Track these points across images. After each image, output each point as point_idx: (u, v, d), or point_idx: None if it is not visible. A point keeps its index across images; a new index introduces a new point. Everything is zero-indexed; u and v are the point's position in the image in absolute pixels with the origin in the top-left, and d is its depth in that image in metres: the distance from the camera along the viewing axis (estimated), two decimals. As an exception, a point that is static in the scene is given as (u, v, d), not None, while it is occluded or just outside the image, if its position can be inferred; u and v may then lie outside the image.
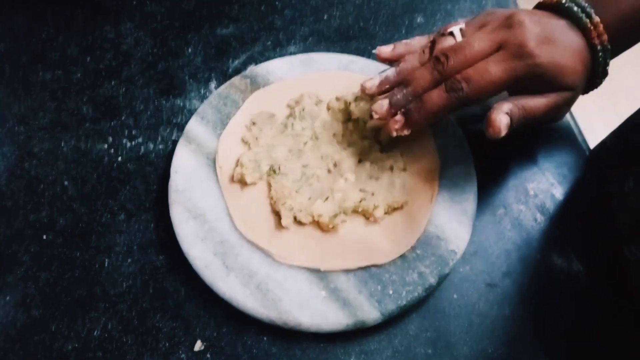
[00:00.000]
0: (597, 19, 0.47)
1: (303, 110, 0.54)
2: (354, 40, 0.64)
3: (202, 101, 0.56)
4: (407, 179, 0.51)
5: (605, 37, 0.47)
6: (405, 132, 0.47)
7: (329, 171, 0.51)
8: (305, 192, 0.50)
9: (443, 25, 0.65)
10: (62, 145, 0.56)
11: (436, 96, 0.46)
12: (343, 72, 0.58)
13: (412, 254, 0.47)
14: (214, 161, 0.52)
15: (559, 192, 0.53)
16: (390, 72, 0.49)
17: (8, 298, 0.47)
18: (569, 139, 0.57)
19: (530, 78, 0.45)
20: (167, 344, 0.45)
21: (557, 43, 0.46)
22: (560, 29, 0.47)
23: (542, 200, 0.52)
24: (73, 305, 0.47)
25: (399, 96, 0.48)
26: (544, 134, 0.57)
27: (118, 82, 0.60)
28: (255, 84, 0.57)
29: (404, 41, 0.52)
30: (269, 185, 0.50)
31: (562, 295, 0.47)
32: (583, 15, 0.47)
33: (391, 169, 0.51)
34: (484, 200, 0.51)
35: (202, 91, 0.59)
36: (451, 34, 0.48)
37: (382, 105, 0.48)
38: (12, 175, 0.54)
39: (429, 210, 0.49)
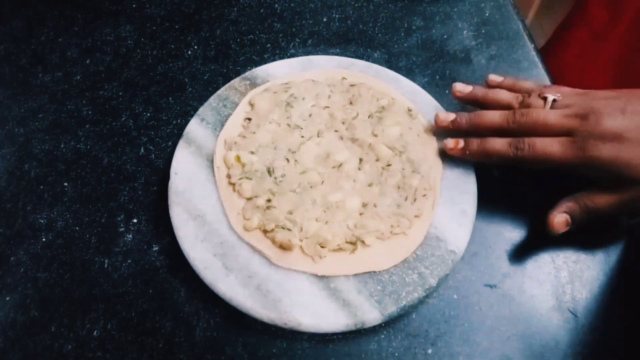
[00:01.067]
0: None
1: (303, 99, 0.54)
2: (353, 42, 0.64)
3: (201, 103, 0.57)
4: (409, 187, 0.50)
5: None
6: (455, 154, 0.51)
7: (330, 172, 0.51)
8: (302, 213, 0.49)
9: (442, 28, 0.65)
10: (62, 146, 0.56)
11: (499, 143, 0.49)
12: (339, 70, 0.58)
13: (412, 255, 0.47)
14: (213, 162, 0.52)
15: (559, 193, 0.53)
16: (466, 116, 0.52)
17: (8, 298, 0.47)
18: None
19: (591, 169, 0.46)
20: (167, 344, 0.45)
21: (630, 137, 0.45)
22: None
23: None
24: (73, 306, 0.47)
25: (464, 120, 0.52)
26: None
27: (118, 84, 0.60)
28: (254, 86, 0.57)
29: (485, 89, 0.54)
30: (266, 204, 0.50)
31: (562, 295, 0.48)
32: None
33: (393, 174, 0.51)
34: (484, 200, 0.51)
35: (202, 93, 0.60)
36: (545, 99, 0.49)
37: (448, 116, 0.52)
38: (12, 176, 0.54)
39: (429, 217, 0.49)
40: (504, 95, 0.52)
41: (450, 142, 0.51)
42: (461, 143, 0.51)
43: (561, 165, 0.46)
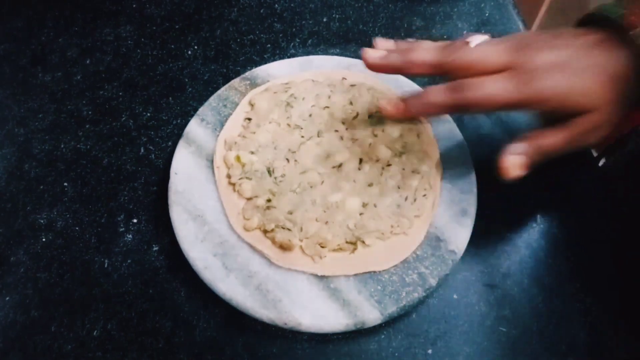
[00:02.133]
0: (628, 10, 0.44)
1: (303, 99, 0.54)
2: (353, 42, 0.64)
3: (201, 103, 0.57)
4: (409, 187, 0.50)
5: None
6: (399, 116, 0.49)
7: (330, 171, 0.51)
8: (302, 213, 0.49)
9: (442, 28, 0.65)
10: (62, 146, 0.56)
11: (436, 91, 0.46)
12: (339, 70, 0.58)
13: (412, 255, 0.47)
14: (213, 162, 0.52)
15: (559, 193, 0.53)
16: (396, 55, 0.49)
17: (8, 299, 0.47)
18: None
19: (536, 104, 0.44)
20: (167, 344, 0.45)
21: (572, 66, 0.44)
22: (585, 47, 0.45)
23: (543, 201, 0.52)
24: (73, 306, 0.47)
25: (394, 57, 0.48)
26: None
27: (118, 84, 0.60)
28: (254, 86, 0.57)
29: (409, 40, 0.51)
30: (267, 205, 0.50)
31: (562, 295, 0.48)
32: (616, 16, 0.45)
33: (393, 175, 0.51)
34: (484, 200, 0.51)
35: (202, 93, 0.60)
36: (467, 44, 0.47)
37: (376, 52, 0.49)
38: (11, 176, 0.54)
39: (429, 217, 0.49)
40: (427, 55, 0.47)
41: (388, 105, 0.49)
42: (398, 104, 0.48)
43: (506, 104, 0.44)
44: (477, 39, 0.47)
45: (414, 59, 0.47)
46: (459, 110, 0.46)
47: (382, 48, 0.50)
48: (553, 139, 0.45)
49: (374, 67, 0.49)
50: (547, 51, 0.44)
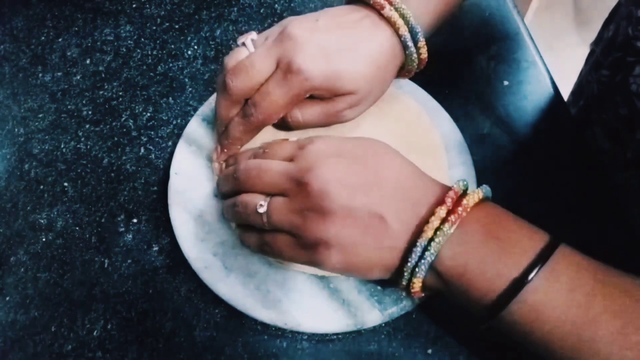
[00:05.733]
0: None
1: None
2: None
3: (201, 103, 0.57)
4: None
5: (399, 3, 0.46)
6: (221, 159, 0.51)
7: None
8: None
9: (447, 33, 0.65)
10: (62, 146, 0.56)
11: (237, 123, 0.48)
12: None
13: (412, 254, 0.47)
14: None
15: (559, 194, 0.53)
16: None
17: (8, 299, 0.47)
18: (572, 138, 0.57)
19: (312, 91, 0.46)
20: (167, 344, 0.45)
21: (332, 50, 0.45)
22: (347, 27, 0.47)
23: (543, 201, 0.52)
24: (73, 306, 0.47)
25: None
26: (545, 135, 0.57)
27: (118, 84, 0.60)
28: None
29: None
30: None
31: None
32: None
33: None
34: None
35: (202, 93, 0.60)
36: (244, 44, 0.48)
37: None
38: (11, 176, 0.54)
39: None
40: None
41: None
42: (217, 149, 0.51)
43: (289, 106, 0.47)
44: (247, 40, 0.48)
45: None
46: (261, 129, 0.49)
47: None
48: (310, 114, 0.48)
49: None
50: (306, 36, 0.45)
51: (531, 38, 0.65)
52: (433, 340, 0.45)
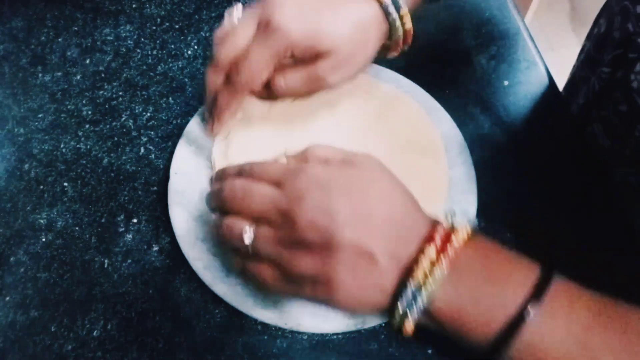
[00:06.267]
0: None
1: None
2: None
3: (201, 103, 0.56)
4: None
5: None
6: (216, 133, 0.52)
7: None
8: None
9: (442, 28, 0.65)
10: (62, 146, 0.56)
11: (226, 94, 0.49)
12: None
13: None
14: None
15: (559, 194, 0.53)
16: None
17: (8, 298, 0.47)
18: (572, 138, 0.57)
19: (291, 48, 0.46)
20: (167, 344, 0.45)
21: (312, 9, 0.46)
22: None
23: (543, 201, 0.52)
24: (73, 306, 0.47)
25: None
26: (545, 135, 0.57)
27: (118, 84, 0.60)
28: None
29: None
30: None
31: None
32: None
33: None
34: (485, 201, 0.51)
35: (202, 93, 0.59)
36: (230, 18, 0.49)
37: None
38: (11, 176, 0.54)
39: None
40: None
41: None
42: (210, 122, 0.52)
43: (273, 66, 0.47)
44: (233, 12, 0.49)
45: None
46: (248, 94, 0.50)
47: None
48: (292, 79, 0.49)
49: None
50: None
51: (531, 38, 0.65)
52: (433, 340, 0.45)
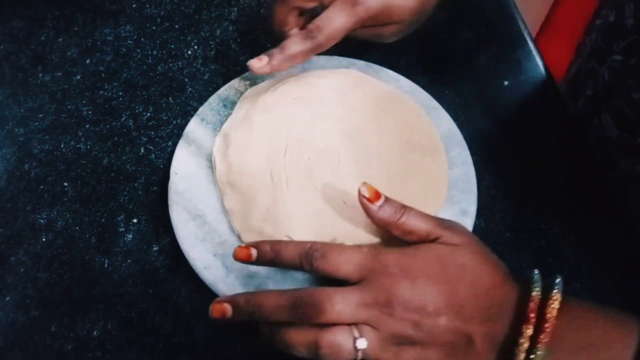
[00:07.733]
0: None
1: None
2: (353, 42, 0.64)
3: (201, 103, 0.57)
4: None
5: None
6: (266, 70, 0.52)
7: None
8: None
9: (442, 28, 0.65)
10: (62, 146, 0.56)
11: (297, 42, 0.51)
12: (339, 69, 0.58)
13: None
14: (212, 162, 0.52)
15: (559, 194, 0.53)
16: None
17: (8, 298, 0.47)
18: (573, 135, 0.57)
19: (368, 21, 0.51)
20: (167, 344, 0.45)
21: None
22: None
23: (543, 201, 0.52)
24: (73, 306, 0.47)
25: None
26: (545, 135, 0.57)
27: (118, 84, 0.60)
28: (254, 86, 0.57)
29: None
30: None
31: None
32: None
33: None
34: (484, 201, 0.51)
35: (202, 93, 0.60)
36: None
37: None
38: (11, 176, 0.54)
39: None
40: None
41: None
42: (263, 59, 0.52)
43: (348, 31, 0.51)
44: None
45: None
46: (319, 50, 0.53)
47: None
48: (333, 26, 0.51)
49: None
50: None
51: (531, 38, 0.65)
52: None
